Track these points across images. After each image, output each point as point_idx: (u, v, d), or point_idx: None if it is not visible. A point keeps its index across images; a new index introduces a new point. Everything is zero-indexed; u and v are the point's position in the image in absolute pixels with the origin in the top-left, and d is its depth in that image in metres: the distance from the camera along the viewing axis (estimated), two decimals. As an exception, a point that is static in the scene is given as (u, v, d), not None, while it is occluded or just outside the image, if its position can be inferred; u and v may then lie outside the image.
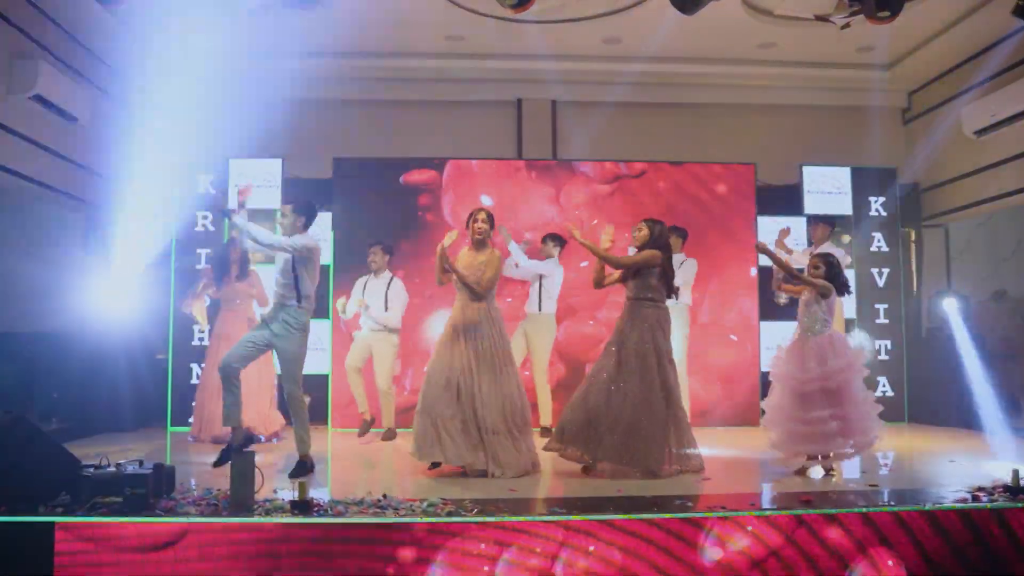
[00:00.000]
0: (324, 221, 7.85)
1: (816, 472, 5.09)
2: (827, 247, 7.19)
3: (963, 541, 3.88)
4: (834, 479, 4.98)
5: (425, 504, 3.97)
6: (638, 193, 8.03)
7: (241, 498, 3.92)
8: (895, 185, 8.38)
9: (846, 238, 8.20)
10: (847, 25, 7.19)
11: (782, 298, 7.41)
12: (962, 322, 8.05)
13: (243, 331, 6.76)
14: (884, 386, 8.11)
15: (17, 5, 6.68)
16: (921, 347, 8.37)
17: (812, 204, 8.22)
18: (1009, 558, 3.88)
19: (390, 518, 3.76)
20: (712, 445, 6.07)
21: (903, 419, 7.98)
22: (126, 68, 8.44)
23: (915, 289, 8.81)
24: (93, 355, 7.44)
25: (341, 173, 7.92)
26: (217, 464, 5.06)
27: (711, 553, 3.71)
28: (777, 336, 7.80)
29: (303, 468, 5.11)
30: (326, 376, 7.69)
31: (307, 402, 5.36)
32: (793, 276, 5.31)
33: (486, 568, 3.62)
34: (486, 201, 7.67)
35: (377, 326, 6.87)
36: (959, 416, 7.71)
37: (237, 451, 4.71)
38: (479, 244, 5.40)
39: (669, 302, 5.36)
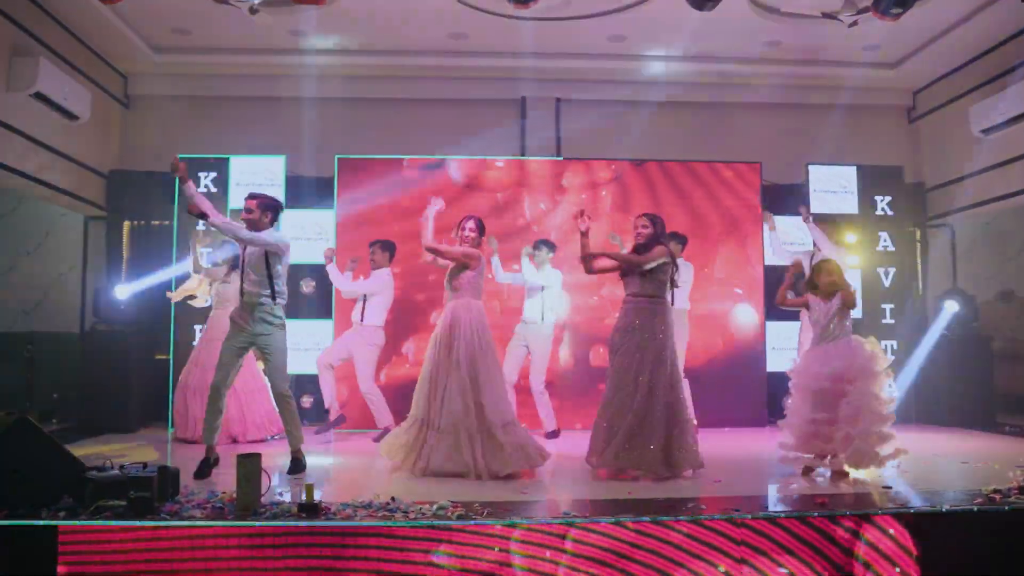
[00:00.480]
0: (327, 220, 7.80)
1: (823, 472, 5.04)
2: (832, 248, 7.18)
3: (982, 543, 3.84)
4: (845, 480, 4.92)
5: (435, 507, 3.91)
6: (639, 191, 7.98)
7: (248, 501, 3.86)
8: (901, 184, 8.32)
9: (852, 237, 8.13)
10: (854, 23, 7.16)
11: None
12: (967, 322, 8.04)
13: None
14: (890, 386, 8.02)
15: (17, 2, 6.62)
16: (927, 347, 8.31)
17: (818, 203, 8.17)
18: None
19: (401, 522, 3.69)
20: (719, 446, 6.02)
21: (911, 420, 7.91)
22: (126, 66, 8.38)
23: (920, 289, 8.76)
24: (93, 356, 7.38)
25: (344, 171, 7.84)
26: (199, 476, 4.95)
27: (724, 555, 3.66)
28: (783, 336, 7.82)
29: (298, 465, 5.08)
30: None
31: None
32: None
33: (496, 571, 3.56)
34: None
35: (360, 325, 6.85)
36: (966, 416, 7.68)
37: (214, 465, 4.98)
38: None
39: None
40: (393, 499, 4.08)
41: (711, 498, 4.25)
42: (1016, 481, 4.52)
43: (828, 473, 5.03)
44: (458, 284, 5.33)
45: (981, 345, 7.99)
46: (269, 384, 5.23)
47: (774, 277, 7.85)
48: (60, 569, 3.57)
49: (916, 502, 4.14)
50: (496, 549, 3.61)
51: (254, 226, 5.14)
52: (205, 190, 7.78)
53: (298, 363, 7.30)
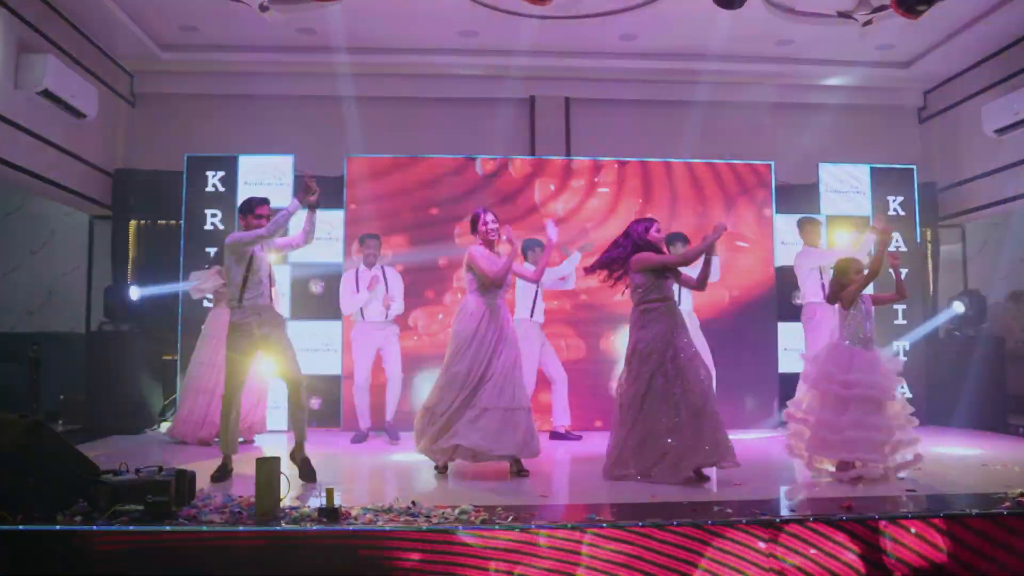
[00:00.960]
0: (336, 219, 7.73)
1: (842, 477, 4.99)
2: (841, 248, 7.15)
3: (1011, 546, 3.78)
4: (861, 484, 4.87)
5: (457, 512, 3.84)
6: (648, 190, 7.92)
7: (267, 506, 3.79)
8: (913, 184, 8.28)
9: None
10: (869, 22, 7.11)
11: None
12: (977, 323, 8.00)
13: None
14: (903, 388, 8.00)
15: (26, -1, 6.55)
16: (939, 348, 8.27)
17: (829, 203, 8.12)
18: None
19: (424, 527, 3.63)
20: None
21: (923, 421, 7.84)
22: (133, 64, 8.31)
23: (931, 289, 8.71)
24: (100, 356, 7.30)
25: (353, 170, 7.77)
26: (216, 480, 4.92)
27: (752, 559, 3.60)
28: (796, 338, 7.74)
29: (308, 467, 5.01)
30: (338, 377, 7.55)
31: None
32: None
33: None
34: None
35: (387, 323, 6.85)
36: (978, 418, 7.62)
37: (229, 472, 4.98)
38: (491, 245, 5.35)
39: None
40: (413, 503, 4.02)
41: (737, 502, 4.19)
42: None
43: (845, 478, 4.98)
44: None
45: (994, 346, 7.94)
46: (288, 377, 5.14)
47: (783, 278, 7.85)
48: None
49: (940, 505, 4.09)
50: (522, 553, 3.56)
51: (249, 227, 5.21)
52: (213, 189, 7.72)
53: (307, 365, 7.21)
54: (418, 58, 8.25)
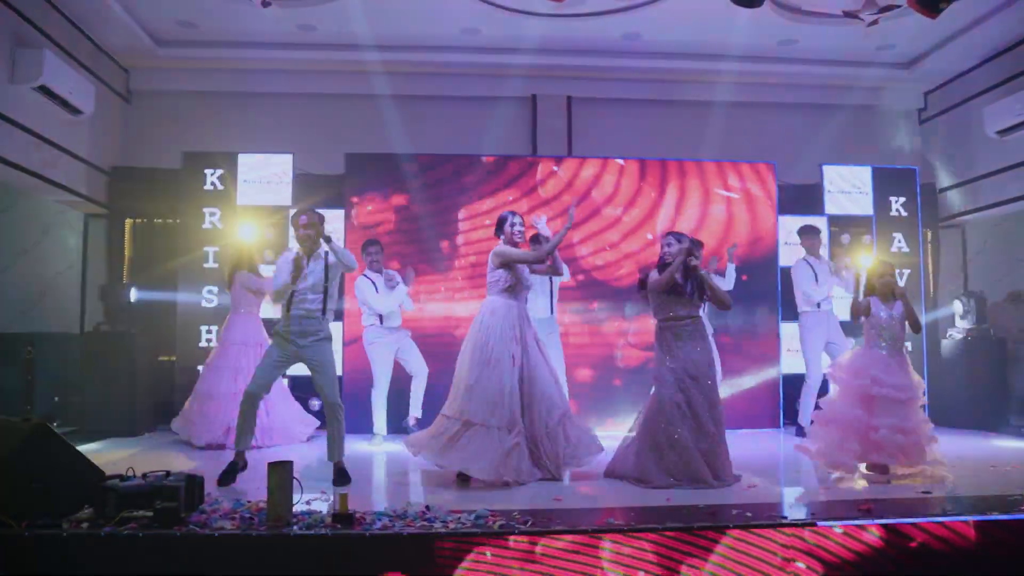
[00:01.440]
0: (336, 218, 7.63)
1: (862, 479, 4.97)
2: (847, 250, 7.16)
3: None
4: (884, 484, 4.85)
5: (474, 516, 3.77)
6: (651, 189, 7.87)
7: (280, 511, 3.70)
8: (916, 185, 8.27)
9: (867, 239, 8.09)
10: (874, 22, 7.09)
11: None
12: (978, 324, 8.00)
13: (256, 336, 6.57)
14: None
15: (21, -9, 6.42)
16: (940, 349, 8.27)
17: (832, 204, 8.10)
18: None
19: (440, 530, 3.56)
20: (740, 449, 5.91)
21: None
22: (129, 59, 8.18)
23: (931, 290, 8.71)
24: (95, 357, 7.17)
25: (353, 169, 7.67)
26: (223, 483, 4.83)
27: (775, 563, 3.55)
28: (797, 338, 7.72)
29: (344, 476, 4.94)
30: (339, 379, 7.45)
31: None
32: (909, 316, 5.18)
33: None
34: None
35: (400, 329, 6.82)
36: (981, 419, 7.62)
37: (241, 470, 4.89)
38: (516, 245, 5.32)
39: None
40: (428, 508, 3.95)
41: (755, 505, 4.13)
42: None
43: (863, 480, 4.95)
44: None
45: (996, 347, 7.95)
46: (322, 396, 5.08)
47: (787, 279, 7.82)
48: None
49: (961, 507, 4.07)
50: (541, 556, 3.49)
51: (313, 241, 5.06)
52: (212, 187, 7.61)
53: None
54: (419, 56, 8.14)
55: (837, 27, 7.49)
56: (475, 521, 3.72)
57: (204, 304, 7.39)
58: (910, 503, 4.27)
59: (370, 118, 8.17)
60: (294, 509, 3.79)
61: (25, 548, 3.43)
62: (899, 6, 6.70)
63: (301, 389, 6.90)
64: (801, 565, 3.58)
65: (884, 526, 3.68)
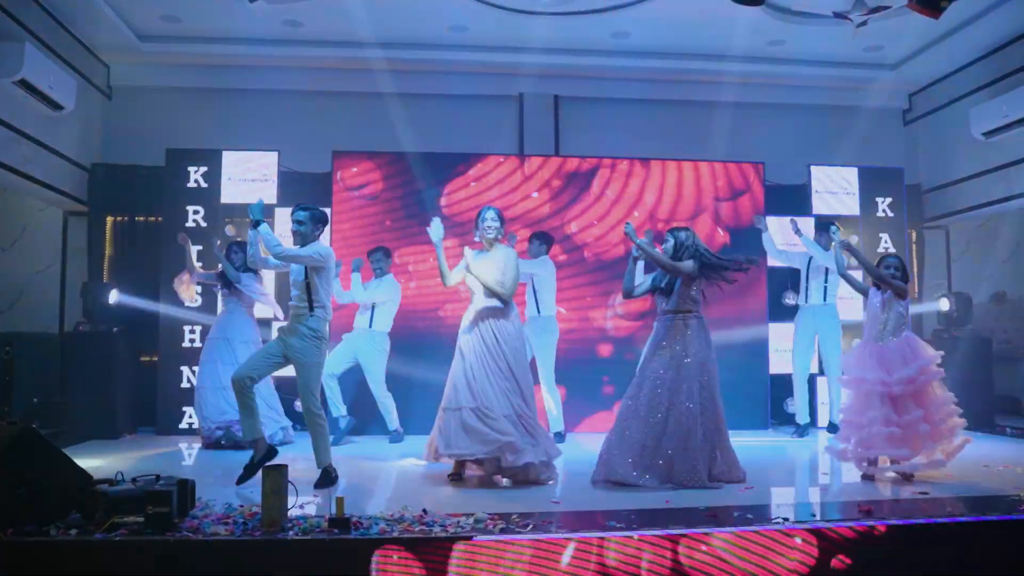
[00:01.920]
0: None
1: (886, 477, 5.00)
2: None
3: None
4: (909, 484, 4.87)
5: (472, 520, 3.71)
6: (639, 190, 7.85)
7: (275, 516, 3.62)
8: (902, 185, 8.33)
9: (854, 238, 8.11)
10: (864, 24, 7.12)
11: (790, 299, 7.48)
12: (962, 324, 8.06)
13: (247, 333, 6.47)
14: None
15: (-1, -17, 6.25)
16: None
17: (820, 204, 8.13)
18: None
19: (441, 535, 3.50)
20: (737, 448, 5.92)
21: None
22: (111, 55, 8.02)
23: (916, 290, 8.78)
24: (76, 357, 7.02)
25: (340, 166, 7.57)
26: (241, 481, 4.74)
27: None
28: (787, 338, 7.73)
29: (328, 479, 4.82)
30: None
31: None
32: (880, 278, 5.16)
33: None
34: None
35: (368, 331, 6.74)
36: (966, 418, 7.63)
37: (260, 465, 4.43)
38: (491, 244, 5.20)
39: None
40: (425, 511, 3.88)
41: (755, 506, 4.11)
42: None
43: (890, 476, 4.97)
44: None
45: (980, 346, 8.00)
46: (299, 400, 4.97)
47: (776, 279, 7.86)
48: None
49: (960, 508, 4.08)
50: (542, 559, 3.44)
51: (305, 239, 4.92)
52: (195, 184, 7.47)
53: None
54: (406, 53, 8.04)
55: (825, 28, 7.52)
56: (474, 525, 3.66)
57: (187, 303, 7.24)
58: (910, 503, 4.27)
59: (355, 116, 8.08)
60: (288, 514, 3.71)
61: (11, 555, 3.32)
62: (889, 7, 6.73)
63: (285, 390, 6.78)
64: (801, 566, 3.56)
65: (884, 526, 3.67)
